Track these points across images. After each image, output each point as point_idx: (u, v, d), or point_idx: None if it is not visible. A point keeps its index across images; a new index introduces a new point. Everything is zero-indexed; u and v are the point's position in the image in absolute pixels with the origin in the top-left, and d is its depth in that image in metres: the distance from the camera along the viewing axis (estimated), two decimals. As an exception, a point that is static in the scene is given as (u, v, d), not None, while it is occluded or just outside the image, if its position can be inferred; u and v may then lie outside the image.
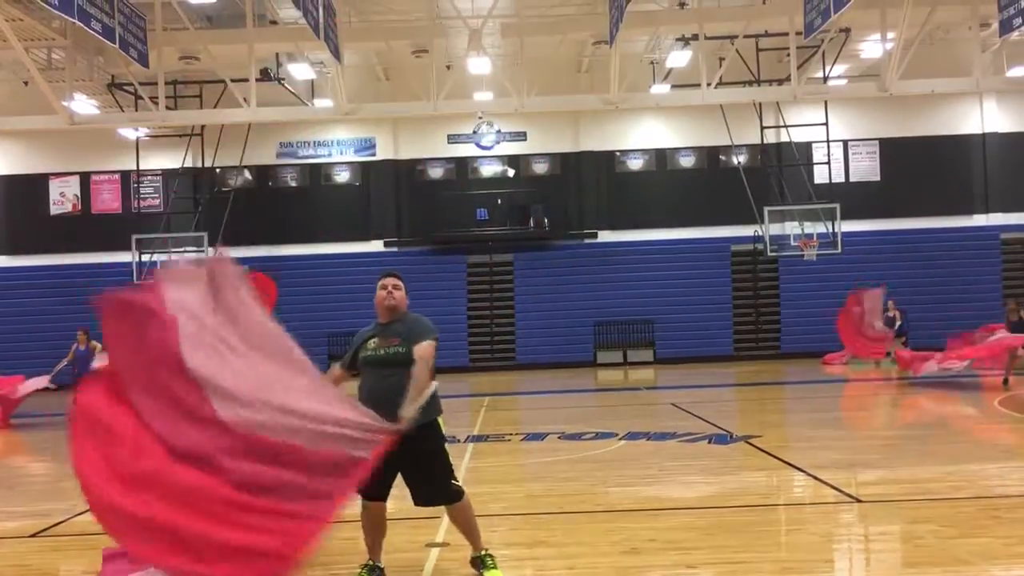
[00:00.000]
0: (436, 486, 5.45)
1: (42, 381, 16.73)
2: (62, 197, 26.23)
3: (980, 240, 25.44)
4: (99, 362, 15.61)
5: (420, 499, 5.53)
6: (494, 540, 5.79)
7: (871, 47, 22.99)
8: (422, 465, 5.39)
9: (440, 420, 5.52)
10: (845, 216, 23.56)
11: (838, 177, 25.43)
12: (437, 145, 26.26)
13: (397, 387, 5.13)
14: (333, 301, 25.07)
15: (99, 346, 17.28)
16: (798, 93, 20.93)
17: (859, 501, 7.52)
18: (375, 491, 5.26)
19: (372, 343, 5.51)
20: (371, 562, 5.59)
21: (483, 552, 5.59)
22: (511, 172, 26.59)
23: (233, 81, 20.54)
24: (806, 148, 25.44)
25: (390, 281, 5.64)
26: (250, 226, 25.31)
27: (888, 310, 21.94)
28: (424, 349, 5.28)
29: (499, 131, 26.17)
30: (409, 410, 4.87)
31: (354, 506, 8.20)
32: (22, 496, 9.72)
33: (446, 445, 5.59)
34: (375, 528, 5.55)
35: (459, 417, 14.25)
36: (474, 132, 26.10)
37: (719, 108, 23.58)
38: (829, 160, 24.96)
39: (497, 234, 25.80)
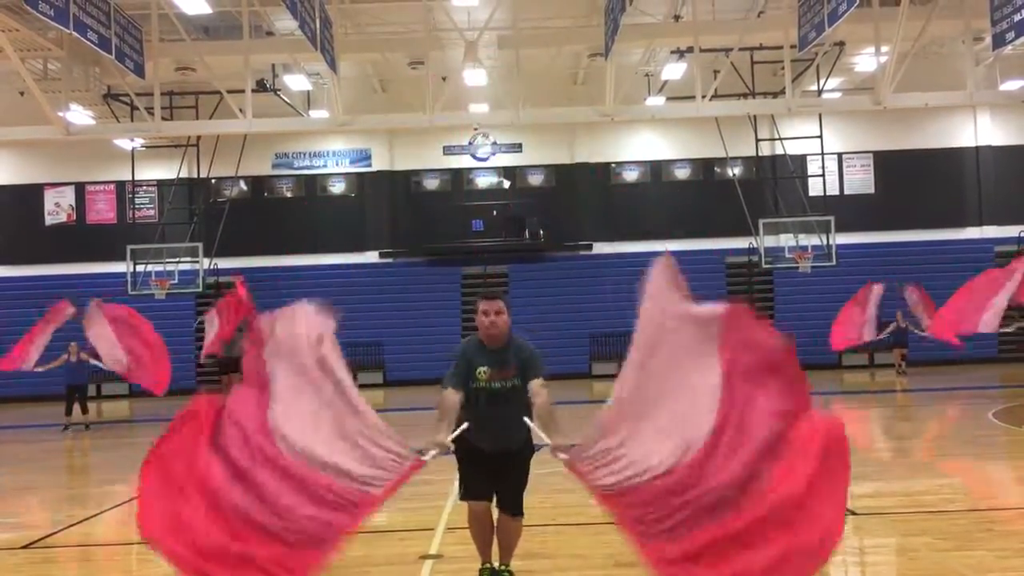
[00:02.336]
0: (515, 495, 5.55)
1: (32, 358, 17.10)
2: (57, 207, 26.18)
3: (974, 253, 25.46)
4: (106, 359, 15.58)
5: (504, 504, 5.58)
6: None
7: (865, 60, 23.07)
8: (513, 474, 5.53)
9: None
10: (839, 228, 23.58)
11: (832, 190, 25.46)
12: (432, 156, 26.28)
13: (511, 418, 5.26)
14: (328, 312, 24.99)
15: (88, 356, 17.18)
16: (793, 106, 20.98)
17: (854, 514, 7.51)
18: (477, 492, 5.45)
19: (483, 372, 5.35)
20: (488, 565, 5.65)
21: (506, 567, 5.66)
22: (506, 183, 26.61)
23: (229, 92, 20.54)
24: (801, 161, 25.49)
25: (492, 307, 5.38)
26: (245, 237, 25.27)
27: (898, 321, 21.95)
28: (543, 394, 5.20)
29: (494, 143, 26.19)
30: (560, 443, 4.82)
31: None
32: (12, 508, 9.67)
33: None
34: (484, 530, 5.59)
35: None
36: (469, 143, 26.12)
37: (714, 120, 23.62)
38: (824, 173, 24.99)
39: (492, 245, 25.79)
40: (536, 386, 5.26)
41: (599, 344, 25.16)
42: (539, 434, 5.06)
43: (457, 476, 5.60)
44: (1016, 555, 6.06)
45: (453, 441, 5.53)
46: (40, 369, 16.97)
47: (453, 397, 5.26)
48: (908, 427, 14.61)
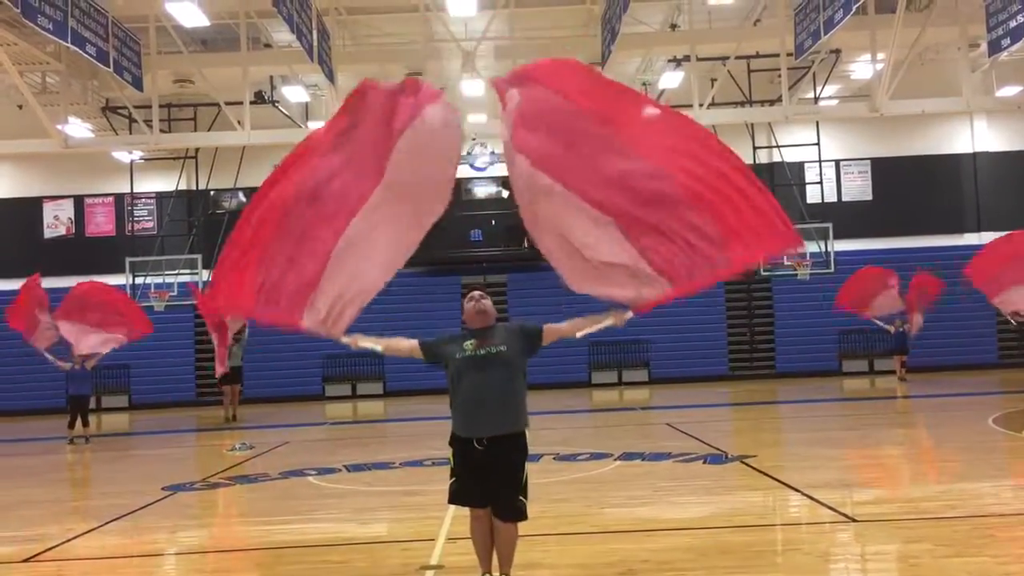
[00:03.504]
0: (507, 497, 5.48)
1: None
2: (56, 220, 26.21)
3: (972, 259, 25.47)
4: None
5: (496, 507, 5.50)
6: (489, 562, 5.78)
7: (861, 68, 23.15)
8: (504, 472, 5.48)
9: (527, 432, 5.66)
10: (837, 235, 23.64)
11: (830, 196, 25.53)
12: (431, 167, 26.28)
13: (499, 383, 5.45)
14: (327, 323, 25.00)
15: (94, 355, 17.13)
16: (790, 113, 21.06)
17: (854, 521, 7.51)
18: (478, 499, 5.47)
19: (470, 344, 5.59)
20: (487, 574, 5.62)
21: None
22: (505, 193, 26.63)
23: (227, 104, 20.61)
24: (798, 168, 25.56)
25: (476, 293, 5.86)
26: (244, 248, 25.26)
27: (896, 326, 21.90)
28: (552, 325, 5.82)
29: (493, 152, 26.21)
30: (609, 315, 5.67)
31: (336, 532, 8.18)
32: (14, 521, 9.65)
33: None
34: (483, 538, 5.58)
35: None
36: (468, 154, 26.15)
37: (711, 128, 23.68)
38: (821, 180, 25.06)
39: (491, 255, 25.82)
40: (549, 327, 5.83)
41: (598, 353, 25.16)
42: (590, 326, 5.87)
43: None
44: (1017, 561, 6.06)
45: (450, 444, 5.54)
46: (57, 360, 16.89)
47: (410, 343, 5.83)
48: (908, 433, 14.60)
